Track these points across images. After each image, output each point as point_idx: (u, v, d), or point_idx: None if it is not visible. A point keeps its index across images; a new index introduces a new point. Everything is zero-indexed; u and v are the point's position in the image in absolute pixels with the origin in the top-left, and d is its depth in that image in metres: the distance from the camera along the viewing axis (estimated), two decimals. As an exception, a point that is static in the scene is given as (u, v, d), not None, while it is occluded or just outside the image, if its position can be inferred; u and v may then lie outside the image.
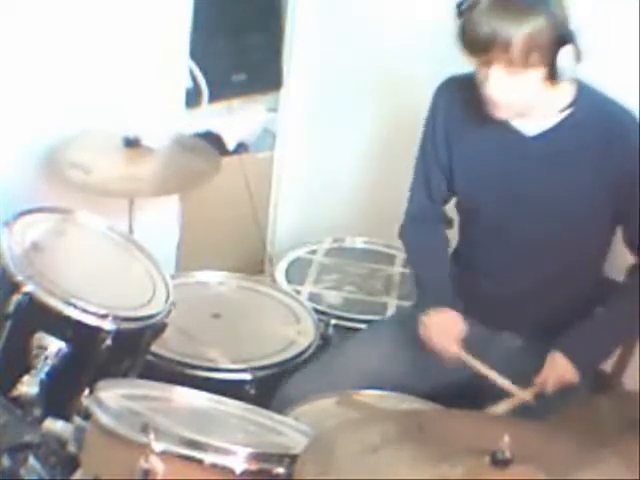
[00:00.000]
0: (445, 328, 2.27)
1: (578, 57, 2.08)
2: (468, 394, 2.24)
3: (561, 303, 2.29)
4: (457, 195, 2.39)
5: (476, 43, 2.06)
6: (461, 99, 2.27)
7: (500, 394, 2.18)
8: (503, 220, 2.29)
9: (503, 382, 2.19)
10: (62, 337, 2.23)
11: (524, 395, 2.17)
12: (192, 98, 3.36)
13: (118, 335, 2.25)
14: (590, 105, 2.18)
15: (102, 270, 2.47)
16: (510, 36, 2.02)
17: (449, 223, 2.47)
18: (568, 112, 2.18)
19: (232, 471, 1.74)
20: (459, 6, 2.09)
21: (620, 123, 2.17)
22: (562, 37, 2.04)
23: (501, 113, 2.17)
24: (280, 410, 2.18)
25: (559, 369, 2.18)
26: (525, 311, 2.32)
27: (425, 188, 2.42)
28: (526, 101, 2.14)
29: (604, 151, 2.16)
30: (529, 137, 2.21)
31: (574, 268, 2.29)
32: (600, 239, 2.30)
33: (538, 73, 2.07)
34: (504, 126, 2.22)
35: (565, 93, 2.17)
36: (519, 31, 2.01)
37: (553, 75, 2.07)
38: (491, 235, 2.33)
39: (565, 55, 2.05)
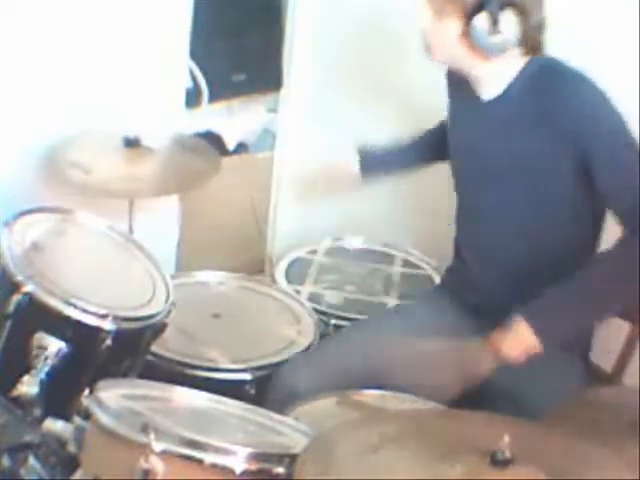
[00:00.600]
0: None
1: (493, 30, 2.14)
2: (468, 394, 2.24)
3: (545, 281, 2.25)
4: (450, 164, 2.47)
5: None
6: (452, 78, 2.39)
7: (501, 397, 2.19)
8: (476, 193, 2.34)
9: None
10: (62, 337, 2.23)
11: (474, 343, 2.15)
12: (192, 98, 3.36)
13: (118, 335, 2.25)
14: (534, 70, 2.23)
15: (102, 270, 2.47)
16: None
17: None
18: (515, 76, 2.24)
19: (232, 471, 1.74)
20: None
21: (554, 80, 2.19)
22: (482, 3, 2.13)
23: (431, 55, 2.27)
24: (276, 396, 2.21)
25: (518, 333, 2.12)
26: (515, 299, 2.30)
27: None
28: (446, 50, 2.24)
29: (549, 113, 2.18)
30: (485, 102, 2.29)
31: (548, 245, 2.27)
32: (571, 205, 2.26)
33: (455, 26, 2.18)
34: (471, 93, 2.30)
35: (516, 65, 2.23)
36: None
37: (467, 34, 2.16)
38: (469, 211, 2.39)
39: (479, 21, 2.14)
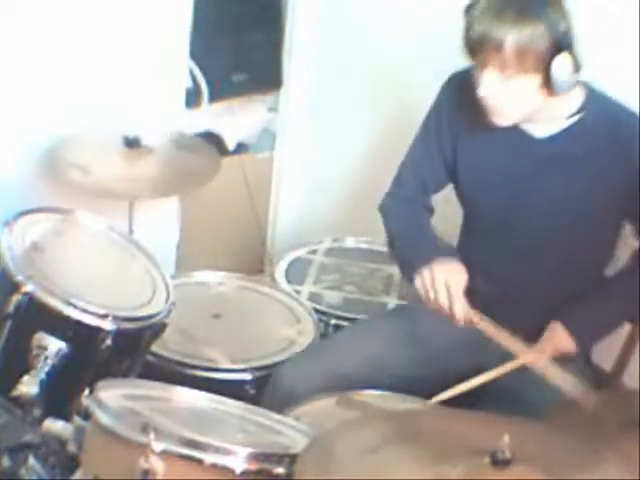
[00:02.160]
0: (451, 278, 2.17)
1: (576, 67, 2.07)
2: (468, 394, 2.24)
3: (561, 305, 2.28)
4: (459, 191, 2.39)
5: (471, 43, 2.07)
6: (468, 94, 2.23)
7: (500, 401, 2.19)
8: (505, 220, 2.29)
9: (513, 344, 2.18)
10: (62, 337, 2.23)
11: (526, 358, 2.17)
12: (192, 98, 3.36)
13: (118, 335, 2.25)
14: (599, 110, 2.19)
15: (102, 270, 2.47)
16: (502, 38, 2.02)
17: (431, 212, 2.47)
18: (577, 117, 2.18)
19: (232, 471, 1.74)
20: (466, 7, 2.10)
21: (627, 129, 2.18)
22: (558, 45, 2.04)
23: (498, 120, 2.16)
24: (274, 395, 2.22)
25: (557, 339, 2.20)
26: (525, 313, 2.31)
27: (418, 178, 2.41)
28: (522, 108, 2.14)
29: (611, 157, 2.17)
30: (537, 139, 2.22)
31: (575, 271, 2.29)
32: (603, 244, 2.30)
33: (533, 80, 2.07)
34: (512, 126, 2.21)
35: (574, 98, 2.18)
36: (513, 34, 2.01)
37: (548, 83, 2.06)
38: (491, 234, 2.33)
39: (561, 63, 2.05)
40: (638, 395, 2.05)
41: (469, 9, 2.09)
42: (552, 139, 2.21)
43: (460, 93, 2.28)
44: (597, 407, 2.01)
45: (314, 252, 3.18)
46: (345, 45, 3.35)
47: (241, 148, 3.59)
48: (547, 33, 2.03)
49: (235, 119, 3.54)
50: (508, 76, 2.06)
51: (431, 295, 2.18)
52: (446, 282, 2.17)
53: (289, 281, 2.99)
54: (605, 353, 2.48)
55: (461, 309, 2.17)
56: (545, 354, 2.19)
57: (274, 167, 3.68)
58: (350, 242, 3.24)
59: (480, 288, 2.36)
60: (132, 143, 2.88)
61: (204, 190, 2.99)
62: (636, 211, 2.21)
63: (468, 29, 2.07)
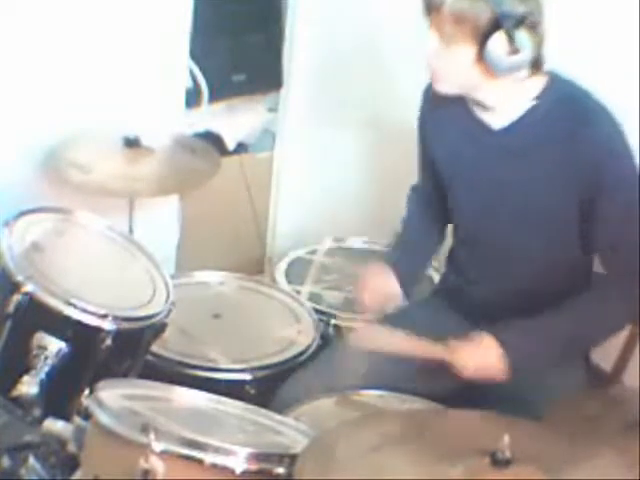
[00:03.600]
0: (375, 283, 2.38)
1: (513, 50, 2.05)
2: (467, 394, 2.24)
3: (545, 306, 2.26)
4: (448, 196, 2.39)
5: (423, 3, 2.11)
6: (444, 99, 2.25)
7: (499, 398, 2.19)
8: (478, 217, 2.29)
9: (430, 347, 2.17)
10: (62, 337, 2.23)
11: (435, 349, 2.16)
12: (192, 98, 3.36)
13: (118, 335, 2.25)
14: (556, 98, 2.15)
15: (102, 270, 2.47)
16: (442, 1, 2.04)
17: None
18: (530, 106, 2.16)
19: (232, 471, 1.74)
20: None
21: (584, 114, 2.13)
22: (499, 23, 2.03)
23: (436, 84, 2.18)
24: (280, 410, 2.18)
25: (483, 345, 2.12)
26: (510, 313, 2.30)
27: (423, 176, 2.49)
28: (458, 79, 2.14)
29: (567, 143, 2.13)
30: (495, 130, 2.20)
31: (556, 271, 2.25)
32: (575, 237, 2.24)
33: (469, 51, 2.07)
34: (473, 120, 2.22)
35: (531, 89, 2.16)
36: (455, 2, 2.03)
37: (482, 58, 2.06)
38: (470, 234, 2.35)
39: (496, 41, 2.03)
40: (638, 395, 2.05)
41: None
42: (508, 129, 2.19)
43: (438, 100, 2.27)
44: (597, 407, 2.01)
45: (314, 252, 3.18)
46: (345, 45, 3.35)
47: (241, 148, 3.59)
48: (489, 8, 2.03)
49: (235, 119, 3.54)
50: (447, 41, 2.08)
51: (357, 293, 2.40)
52: (369, 286, 2.40)
53: (289, 281, 2.98)
54: (605, 353, 2.48)
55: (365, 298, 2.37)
56: (465, 356, 2.12)
57: (274, 167, 3.68)
58: (350, 242, 3.24)
59: (467, 291, 2.36)
60: (132, 143, 2.88)
61: (204, 190, 2.99)
62: (591, 211, 2.15)
63: None
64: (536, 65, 2.12)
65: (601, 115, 2.13)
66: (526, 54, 2.06)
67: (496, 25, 2.03)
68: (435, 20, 2.08)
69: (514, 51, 2.05)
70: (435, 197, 2.44)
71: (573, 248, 2.25)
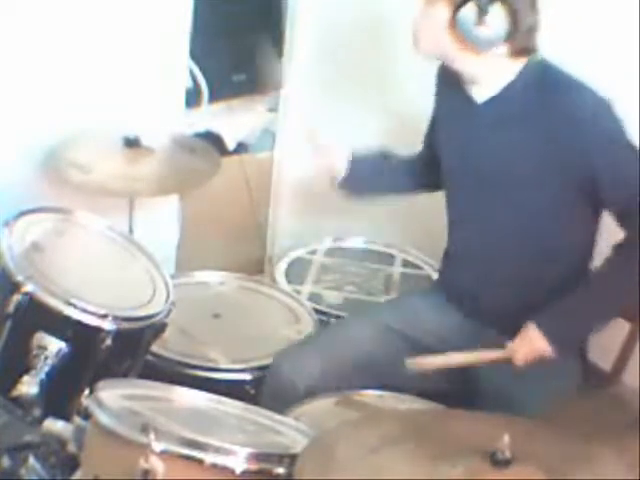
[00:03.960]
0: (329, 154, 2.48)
1: (479, 21, 2.12)
2: (466, 393, 2.24)
3: (546, 298, 2.25)
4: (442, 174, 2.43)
5: None
6: (444, 77, 2.36)
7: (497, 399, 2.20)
8: (468, 196, 2.33)
9: (484, 355, 2.20)
10: (62, 337, 2.23)
11: (492, 355, 2.18)
12: (192, 98, 3.36)
13: (118, 335, 2.25)
14: (533, 73, 2.21)
15: (102, 270, 2.47)
16: None
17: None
18: (512, 78, 2.22)
19: (232, 471, 1.74)
20: None
21: (557, 84, 2.19)
22: None
23: (416, 45, 2.25)
24: (273, 385, 2.24)
25: (531, 340, 2.17)
26: (507, 306, 2.30)
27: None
28: (432, 40, 2.22)
29: (543, 113, 2.17)
30: (478, 104, 2.27)
31: (547, 254, 2.26)
32: (568, 226, 2.26)
33: (443, 14, 2.16)
34: (462, 94, 2.28)
35: (514, 66, 2.21)
36: None
37: (454, 25, 2.14)
38: (459, 211, 2.37)
39: (467, 11, 2.12)
40: (638, 395, 2.05)
41: None
42: (488, 104, 2.25)
43: (444, 76, 2.37)
44: (597, 406, 2.01)
45: (314, 252, 3.18)
46: (345, 45, 3.35)
47: (241, 148, 3.59)
48: None
49: (235, 119, 3.54)
50: (427, 5, 2.19)
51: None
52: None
53: (289, 281, 2.99)
54: (605, 353, 2.48)
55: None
56: (519, 353, 2.18)
57: (274, 167, 3.68)
58: (350, 242, 3.25)
59: (464, 282, 2.37)
60: (132, 143, 2.88)
61: (204, 190, 2.99)
62: (598, 182, 2.17)
63: None
64: (518, 48, 2.18)
65: (575, 84, 2.18)
66: (496, 30, 2.13)
67: None
68: None
69: (483, 24, 2.12)
70: (426, 166, 2.50)
71: (565, 223, 2.26)
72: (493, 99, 2.24)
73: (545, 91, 2.18)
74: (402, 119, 3.06)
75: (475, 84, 2.26)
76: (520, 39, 2.16)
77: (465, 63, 2.22)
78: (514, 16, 2.12)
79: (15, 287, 2.23)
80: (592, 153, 2.14)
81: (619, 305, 2.26)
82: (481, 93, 2.26)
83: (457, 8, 2.13)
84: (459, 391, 2.26)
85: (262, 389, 2.37)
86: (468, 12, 2.12)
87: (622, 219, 2.20)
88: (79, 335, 2.24)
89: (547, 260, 2.27)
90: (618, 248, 2.21)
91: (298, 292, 2.92)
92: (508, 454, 1.60)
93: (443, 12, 2.16)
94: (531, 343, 2.18)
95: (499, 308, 2.31)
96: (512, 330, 2.23)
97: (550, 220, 2.25)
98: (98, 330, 2.24)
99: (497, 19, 2.12)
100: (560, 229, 2.27)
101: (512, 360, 2.18)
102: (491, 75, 2.23)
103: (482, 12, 2.11)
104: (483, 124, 2.27)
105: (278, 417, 2.07)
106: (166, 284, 2.45)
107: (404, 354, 2.29)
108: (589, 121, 2.14)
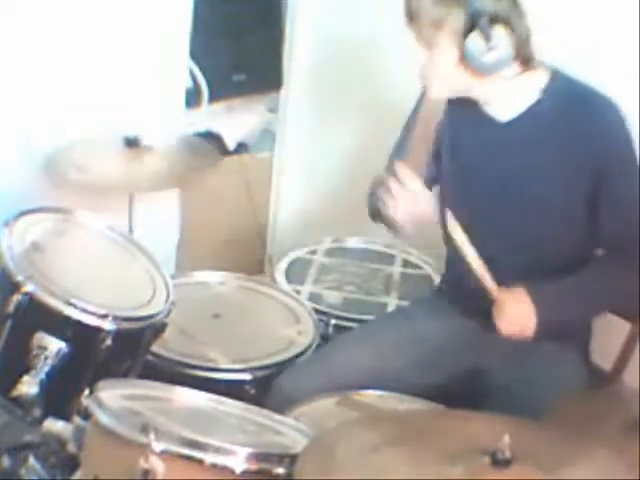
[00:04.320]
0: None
1: (491, 48, 2.09)
2: (467, 394, 2.24)
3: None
4: (442, 184, 2.39)
5: (405, 13, 2.17)
6: (453, 105, 2.29)
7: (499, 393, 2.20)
8: (482, 209, 2.30)
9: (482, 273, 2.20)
10: (62, 337, 2.23)
11: (488, 282, 2.19)
12: (192, 98, 3.37)
13: (118, 335, 2.25)
14: (560, 91, 2.20)
15: (102, 270, 2.47)
16: (419, 10, 2.13)
17: None
18: (537, 98, 2.20)
19: (232, 471, 1.74)
20: None
21: (587, 106, 2.18)
22: (472, 23, 2.09)
23: (430, 92, 2.23)
24: (275, 403, 2.20)
25: (518, 303, 2.16)
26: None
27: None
28: (447, 83, 2.19)
29: (574, 136, 2.17)
30: (502, 123, 2.24)
31: (558, 262, 2.27)
32: (581, 230, 2.28)
33: (450, 54, 2.13)
34: (479, 112, 2.25)
35: (533, 82, 2.20)
36: (430, 10, 2.11)
37: (464, 59, 2.11)
38: (473, 226, 2.35)
39: (474, 41, 2.09)
40: (638, 395, 2.05)
41: None
42: (514, 122, 2.23)
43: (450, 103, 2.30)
44: (597, 406, 2.01)
45: (314, 252, 3.18)
46: (345, 45, 3.35)
47: (241, 148, 3.59)
48: (463, 10, 2.09)
49: (235, 119, 3.54)
50: (429, 48, 2.15)
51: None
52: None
53: (289, 281, 2.98)
54: (605, 353, 2.48)
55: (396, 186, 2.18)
56: (503, 311, 2.16)
57: (274, 167, 3.68)
58: (350, 242, 3.24)
59: (471, 287, 2.37)
60: (132, 143, 2.88)
61: (204, 190, 3.00)
62: (600, 201, 2.19)
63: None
64: (525, 61, 2.17)
65: (604, 106, 2.17)
66: (505, 50, 2.11)
67: (471, 25, 2.09)
68: (415, 29, 2.15)
69: (492, 48, 2.10)
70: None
71: (573, 240, 2.27)
72: (520, 117, 2.22)
73: (575, 112, 2.17)
74: (402, 118, 3.06)
75: (495, 105, 2.23)
76: (525, 50, 2.15)
77: (482, 90, 2.20)
78: (515, 30, 2.11)
79: (15, 287, 2.23)
80: (611, 172, 2.16)
81: (608, 305, 2.29)
82: (503, 112, 2.23)
83: (462, 43, 2.10)
84: (459, 391, 2.26)
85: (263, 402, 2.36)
86: (474, 43, 2.09)
87: (612, 249, 2.25)
88: (79, 335, 2.24)
89: (555, 267, 2.27)
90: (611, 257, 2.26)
91: (298, 292, 2.92)
92: (508, 454, 1.59)
93: (449, 52, 2.12)
94: (517, 306, 2.16)
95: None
96: None
97: (565, 231, 2.26)
98: (98, 330, 2.24)
99: (501, 39, 2.09)
100: (573, 240, 2.28)
101: (495, 311, 2.17)
102: (511, 94, 2.21)
103: (487, 38, 2.08)
104: (504, 142, 2.24)
105: (278, 417, 2.07)
106: (166, 284, 2.45)
107: (406, 369, 2.29)
108: (611, 143, 2.16)
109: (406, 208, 2.21)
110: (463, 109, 2.27)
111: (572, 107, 2.18)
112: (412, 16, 2.15)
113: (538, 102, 2.20)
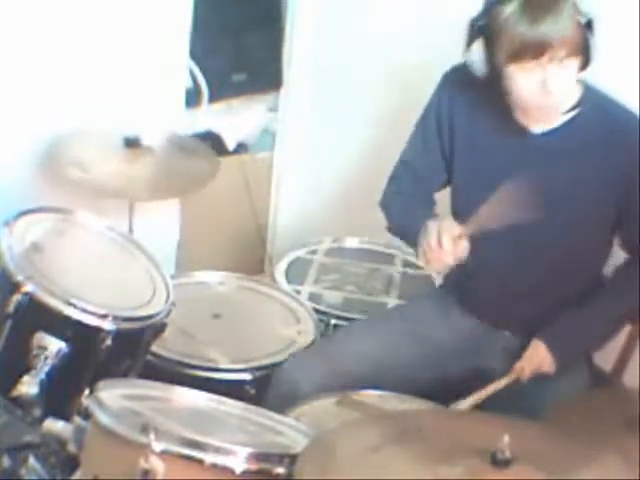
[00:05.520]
0: (442, 224, 2.16)
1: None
2: (467, 393, 2.24)
3: (561, 304, 2.28)
4: (455, 187, 2.38)
5: (527, 51, 2.07)
6: (467, 90, 2.27)
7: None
8: None
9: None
10: (62, 337, 2.23)
11: (498, 384, 2.22)
12: (192, 98, 3.36)
13: (118, 335, 2.25)
14: (595, 106, 2.20)
15: (102, 270, 2.47)
16: (552, 37, 2.05)
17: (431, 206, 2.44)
18: (575, 112, 2.20)
19: (232, 471, 1.74)
20: (477, 21, 2.12)
21: (623, 124, 2.19)
22: (589, 27, 2.09)
23: (563, 107, 2.18)
24: (277, 391, 2.24)
25: (538, 358, 2.24)
26: (524, 312, 2.32)
27: (415, 175, 2.42)
28: (567, 91, 2.16)
29: (606, 151, 2.18)
30: (535, 134, 2.23)
31: (575, 269, 2.28)
32: (601, 242, 2.30)
33: (575, 63, 2.11)
34: (510, 121, 2.23)
35: (571, 94, 2.19)
36: (565, 25, 2.06)
37: (587, 60, 2.11)
38: (490, 232, 2.33)
39: (593, 44, 2.10)
40: (638, 395, 2.05)
41: (491, 21, 2.09)
42: (549, 134, 2.22)
43: (461, 87, 2.29)
44: (597, 406, 2.01)
45: (314, 252, 3.17)
46: (345, 45, 3.35)
47: (241, 148, 3.59)
48: (581, 18, 2.08)
49: (235, 119, 3.54)
50: (559, 63, 2.08)
51: (425, 243, 2.16)
52: (438, 227, 2.15)
53: (289, 281, 2.98)
54: (605, 353, 2.47)
55: (449, 242, 2.12)
56: (525, 373, 2.24)
57: (274, 167, 3.68)
58: (350, 242, 3.24)
59: (481, 288, 2.36)
60: (132, 143, 2.88)
61: (204, 190, 2.99)
62: (629, 213, 2.21)
63: (512, 40, 2.07)
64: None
65: (633, 123, 2.19)
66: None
67: (589, 29, 2.08)
68: (549, 55, 2.07)
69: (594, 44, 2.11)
70: (425, 177, 2.42)
71: (594, 250, 2.30)
72: (554, 130, 2.21)
73: (607, 128, 2.18)
74: (401, 119, 3.06)
75: (533, 115, 2.20)
76: None
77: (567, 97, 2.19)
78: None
79: (15, 287, 2.23)
80: (636, 190, 2.19)
81: (622, 324, 2.34)
82: (539, 123, 2.21)
83: (586, 48, 2.09)
84: (460, 390, 2.26)
85: (265, 396, 2.36)
86: (593, 44, 2.09)
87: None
88: (79, 335, 2.24)
89: (572, 276, 2.30)
90: (620, 269, 2.29)
91: (298, 292, 2.92)
92: (508, 454, 1.59)
93: (575, 61, 2.10)
94: (537, 359, 2.23)
95: (516, 315, 2.33)
96: (527, 331, 2.29)
97: (589, 242, 2.28)
98: (98, 330, 2.24)
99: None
100: (593, 250, 2.31)
101: (519, 379, 2.24)
102: (557, 107, 2.20)
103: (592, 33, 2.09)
104: (536, 153, 2.23)
105: (278, 417, 2.07)
106: (166, 284, 2.46)
107: (408, 362, 2.29)
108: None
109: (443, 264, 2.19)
110: (484, 112, 2.25)
111: (606, 121, 2.19)
112: (546, 47, 2.06)
113: (576, 115, 2.20)
